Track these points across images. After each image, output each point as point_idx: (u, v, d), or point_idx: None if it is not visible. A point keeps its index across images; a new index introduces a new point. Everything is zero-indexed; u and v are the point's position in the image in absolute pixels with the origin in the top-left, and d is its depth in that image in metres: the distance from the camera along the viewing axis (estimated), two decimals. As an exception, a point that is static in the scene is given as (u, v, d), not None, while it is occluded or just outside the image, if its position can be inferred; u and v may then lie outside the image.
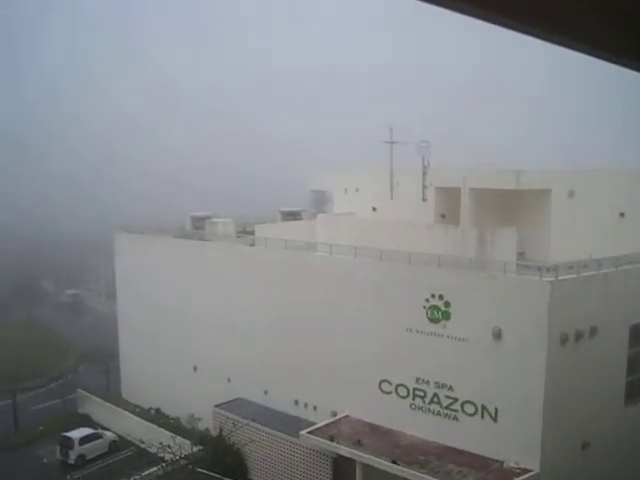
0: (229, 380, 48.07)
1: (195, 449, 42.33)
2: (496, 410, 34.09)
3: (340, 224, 49.51)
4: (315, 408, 42.91)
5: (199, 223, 56.68)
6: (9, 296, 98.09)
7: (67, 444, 48.81)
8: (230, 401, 46.20)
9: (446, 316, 35.50)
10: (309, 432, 38.99)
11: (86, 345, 76.22)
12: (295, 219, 59.16)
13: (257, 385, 45.94)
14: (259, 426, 42.60)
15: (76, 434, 49.49)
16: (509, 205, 46.18)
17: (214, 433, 44.22)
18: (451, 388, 35.92)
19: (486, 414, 34.50)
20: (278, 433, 41.81)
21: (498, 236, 40.31)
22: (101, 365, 62.35)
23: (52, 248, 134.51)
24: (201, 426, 46.10)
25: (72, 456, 48.38)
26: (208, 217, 56.59)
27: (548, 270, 32.62)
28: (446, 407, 36.27)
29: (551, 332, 31.67)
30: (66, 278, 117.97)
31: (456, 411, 35.82)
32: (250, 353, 46.50)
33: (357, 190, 55.71)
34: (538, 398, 32.13)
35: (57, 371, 70.77)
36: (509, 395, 33.39)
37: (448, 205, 47.37)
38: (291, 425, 41.83)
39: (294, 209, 60.88)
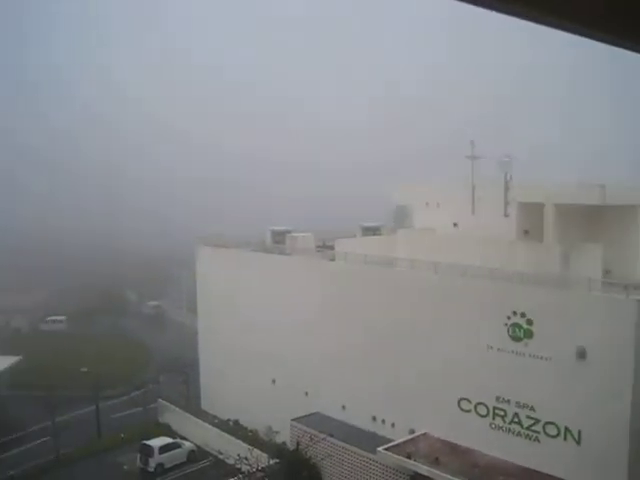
0: (307, 394, 48.14)
1: (272, 462, 42.38)
2: (579, 433, 33.05)
3: (420, 240, 49.11)
4: (393, 425, 42.53)
5: (279, 237, 57.12)
6: (95, 307, 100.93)
7: (147, 452, 49.73)
8: (308, 415, 46.21)
9: (528, 334, 34.69)
10: (386, 449, 38.62)
11: (167, 356, 77.63)
12: (375, 234, 58.98)
13: (335, 400, 45.84)
14: (336, 441, 42.41)
15: (156, 443, 50.37)
16: (594, 221, 44.92)
17: (291, 446, 44.27)
18: (533, 408, 35.03)
19: (569, 436, 33.48)
20: (355, 449, 41.53)
21: (583, 253, 39.23)
22: (181, 376, 63.31)
23: (136, 260, 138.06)
24: (278, 439, 46.23)
25: (152, 464, 49.27)
26: (288, 231, 57.01)
27: (635, 288, 31.53)
28: (527, 428, 35.38)
29: (638, 352, 30.53)
30: (149, 290, 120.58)
31: (537, 432, 34.90)
32: (328, 368, 46.50)
33: (438, 205, 55.18)
34: (624, 421, 31.00)
35: (139, 380, 72.15)
36: (594, 417, 32.31)
37: (531, 221, 46.37)
38: (368, 441, 41.54)
39: (374, 224, 60.71)
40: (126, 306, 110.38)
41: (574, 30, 2.74)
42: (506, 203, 47.38)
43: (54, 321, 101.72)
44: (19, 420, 61.06)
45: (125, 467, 50.36)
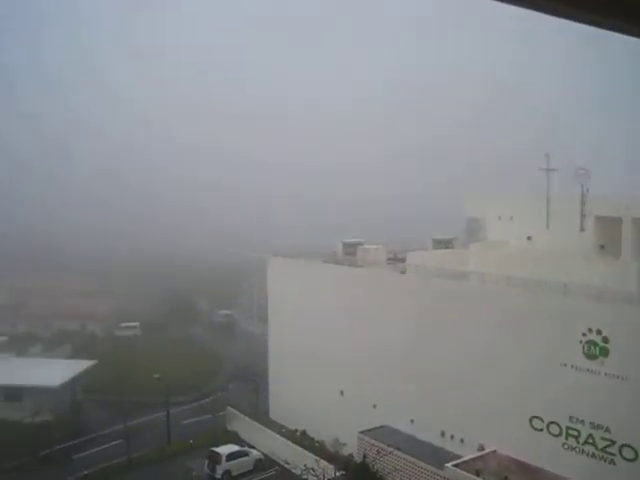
0: (375, 407, 47.79)
1: (338, 474, 42.25)
2: (658, 456, 31.86)
3: (493, 253, 48.36)
4: (462, 441, 41.86)
5: (350, 249, 57.09)
6: (168, 315, 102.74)
7: (215, 459, 50.17)
8: (375, 428, 45.88)
9: (604, 352, 33.67)
10: (455, 465, 38.05)
11: (237, 364, 78.41)
12: (447, 247, 58.31)
13: (403, 413, 45.40)
14: (404, 455, 41.96)
15: (224, 450, 50.80)
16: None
17: (358, 459, 43.96)
18: (608, 429, 33.94)
19: (647, 460, 32.30)
20: (422, 464, 41.00)
21: (663, 270, 37.94)
22: (250, 384, 63.77)
23: (208, 269, 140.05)
24: (345, 451, 46.03)
25: (219, 471, 49.69)
26: (360, 243, 56.94)
27: None
28: (602, 449, 34.30)
29: None
30: (220, 299, 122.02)
31: (613, 455, 33.78)
32: (397, 381, 46.09)
33: (511, 218, 54.23)
34: None
35: (209, 388, 73.21)
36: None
37: (608, 235, 45.08)
38: (436, 456, 41.00)
39: (446, 237, 60.04)
40: (198, 314, 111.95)
41: (580, 18, 2.65)
42: (582, 217, 46.22)
43: (128, 327, 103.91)
44: (93, 423, 62.71)
45: (193, 473, 50.93)
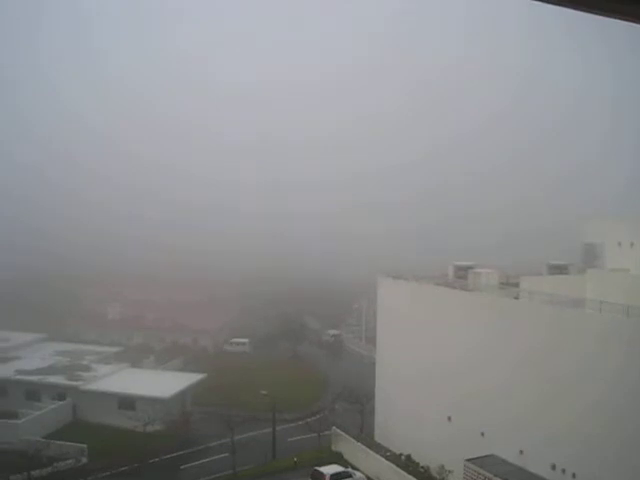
0: (483, 434, 46.51)
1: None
2: None
3: (612, 281, 46.25)
4: (573, 475, 40.02)
5: (462, 272, 56.11)
6: (276, 332, 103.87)
7: (319, 479, 50.01)
8: (483, 457, 44.56)
9: None
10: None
11: (343, 384, 78.21)
12: (562, 273, 56.38)
13: (512, 443, 43.89)
14: (512, 487, 40.57)
15: (328, 470, 50.57)
16: None
17: (464, 488, 42.86)
18: None
19: None
20: (531, 497, 39.49)
21: None
22: (356, 405, 63.39)
23: (317, 289, 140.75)
24: (451, 479, 44.96)
25: (322, 491, 49.52)
26: (471, 267, 55.89)
27: None
28: None
29: None
30: (329, 318, 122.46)
31: None
32: (507, 409, 44.67)
33: (632, 245, 51.88)
34: None
35: (315, 407, 73.27)
36: None
37: None
38: (546, 490, 39.37)
39: (561, 262, 58.10)
40: (306, 333, 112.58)
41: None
42: None
43: (238, 343, 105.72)
44: (201, 435, 63.87)
45: (297, 491, 51.01)
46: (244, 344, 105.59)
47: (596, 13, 2.90)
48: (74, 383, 71.06)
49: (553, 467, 41.30)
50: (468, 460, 44.24)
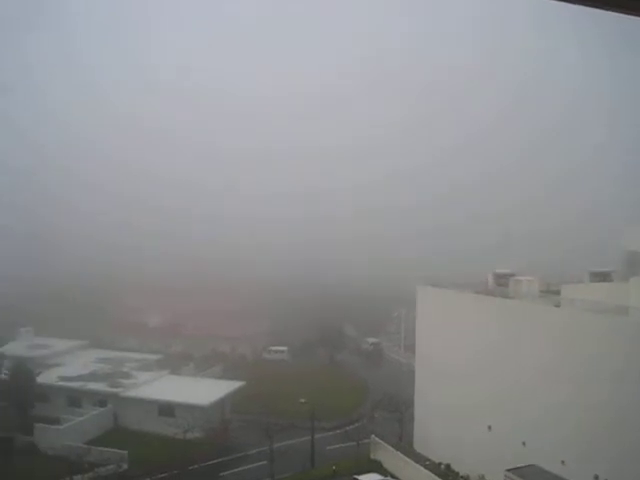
0: (524, 444, 45.86)
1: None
2: None
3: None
4: (619, 486, 39.22)
5: (502, 280, 55.51)
6: (314, 339, 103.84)
7: (358, 487, 49.85)
8: (524, 467, 43.89)
9: None
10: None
11: (382, 393, 77.87)
12: (605, 280, 55.46)
13: (554, 453, 43.21)
14: (553, 498, 39.89)
15: (367, 478, 50.37)
16: None
17: (504, 498, 42.26)
18: None
19: None
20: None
21: None
22: (395, 414, 62.99)
23: (358, 297, 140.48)
24: (491, 489, 44.41)
25: (361, 499, 49.30)
26: (512, 274, 55.26)
27: None
28: None
29: None
30: (368, 326, 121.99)
31: None
32: (548, 419, 44.01)
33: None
34: None
35: (354, 415, 73.01)
36: None
37: None
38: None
39: (604, 270, 57.17)
40: (345, 341, 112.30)
41: None
42: None
43: (277, 351, 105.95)
44: (239, 442, 64.06)
45: (336, 499, 50.82)
46: (283, 352, 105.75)
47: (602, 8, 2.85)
48: (115, 390, 71.82)
49: (596, 478, 40.54)
50: (509, 470, 43.61)
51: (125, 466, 57.42)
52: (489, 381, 49.53)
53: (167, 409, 67.95)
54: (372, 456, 58.92)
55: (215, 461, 58.79)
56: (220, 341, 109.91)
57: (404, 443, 59.11)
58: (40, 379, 71.65)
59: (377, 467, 55.63)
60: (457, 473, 50.16)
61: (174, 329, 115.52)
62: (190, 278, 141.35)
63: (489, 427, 49.63)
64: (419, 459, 54.46)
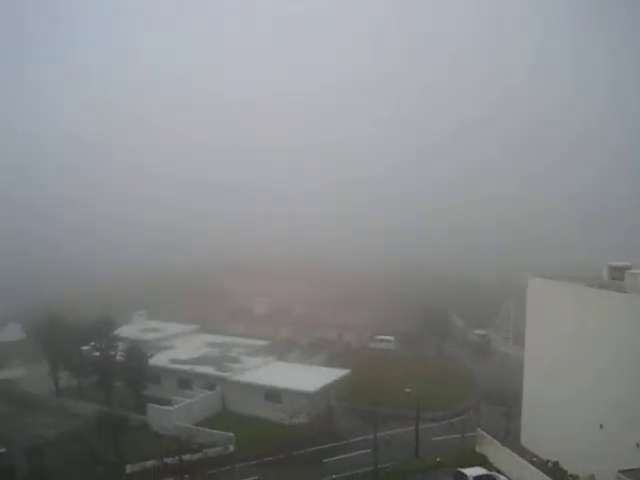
0: (638, 446, 43.96)
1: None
2: None
3: None
4: None
5: (617, 273, 53.27)
6: (422, 330, 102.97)
7: (462, 480, 49.19)
8: (638, 469, 42.08)
9: None
10: None
11: (488, 386, 76.56)
12: None
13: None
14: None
15: (471, 472, 49.59)
16: None
17: (616, 499, 40.64)
18: None
19: None
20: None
21: None
22: (502, 407, 61.73)
23: (465, 287, 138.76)
24: (602, 490, 42.84)
25: (464, 492, 48.61)
26: (628, 267, 52.96)
27: None
28: None
29: None
30: (476, 318, 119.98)
31: None
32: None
33: None
34: None
35: (459, 407, 72.08)
36: None
37: None
38: None
39: None
40: (452, 331, 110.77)
41: None
42: None
43: (382, 340, 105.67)
44: (344, 430, 64.51)
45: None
46: (389, 341, 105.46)
47: None
48: (224, 374, 73.60)
49: None
50: (621, 471, 41.85)
51: (232, 448, 58.74)
52: (604, 379, 47.65)
53: (273, 394, 69.08)
54: (477, 449, 57.95)
55: (319, 447, 59.30)
56: (327, 329, 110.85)
57: (511, 438, 57.80)
58: (153, 361, 74.17)
59: (482, 461, 54.66)
60: (565, 471, 48.59)
61: (282, 316, 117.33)
62: (300, 268, 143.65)
63: (601, 426, 47.80)
64: (526, 455, 53.14)
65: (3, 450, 55.14)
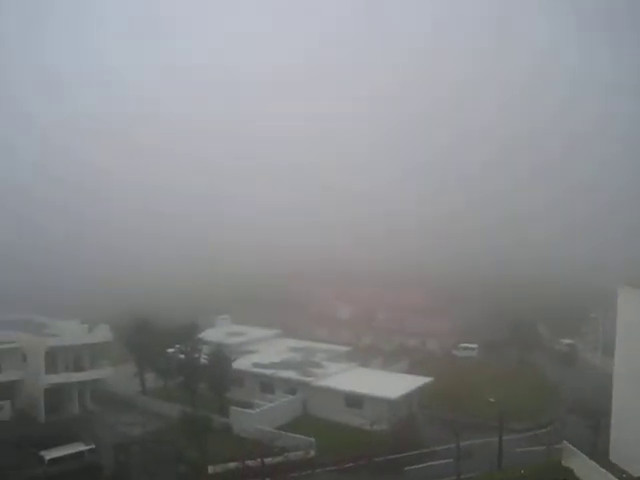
0: None
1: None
2: None
3: None
4: None
5: None
6: (505, 338, 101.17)
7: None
8: None
9: None
10: None
11: (575, 397, 74.48)
12: None
13: None
14: None
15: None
16: None
17: None
18: None
19: None
20: None
21: None
22: (589, 420, 59.86)
23: (548, 295, 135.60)
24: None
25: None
26: None
27: None
28: None
29: None
30: (562, 327, 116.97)
31: None
32: None
33: None
34: None
35: (544, 418, 70.30)
36: None
37: None
38: None
39: None
40: (538, 341, 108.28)
41: None
42: None
43: (466, 348, 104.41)
44: (425, 438, 63.87)
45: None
46: (473, 349, 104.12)
47: None
48: (306, 379, 73.95)
49: None
50: None
51: (313, 453, 58.96)
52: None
53: (355, 400, 68.95)
54: (563, 463, 56.23)
55: (400, 455, 58.84)
56: (409, 336, 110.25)
57: (598, 452, 55.93)
58: (236, 365, 75.13)
59: (569, 475, 52.99)
60: (660, 489, 46.76)
61: (364, 322, 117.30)
62: (381, 273, 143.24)
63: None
64: (615, 471, 51.22)
65: (92, 446, 56.85)
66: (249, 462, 54.46)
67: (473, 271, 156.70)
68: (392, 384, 71.84)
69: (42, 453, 54.54)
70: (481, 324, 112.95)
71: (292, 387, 74.32)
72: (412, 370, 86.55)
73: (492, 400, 61.24)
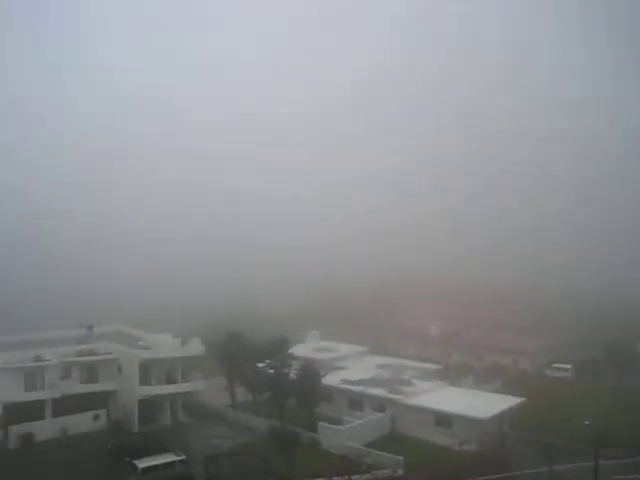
0: None
1: None
2: None
3: None
4: None
5: None
6: (601, 358, 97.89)
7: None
8: None
9: None
10: None
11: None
12: None
13: None
14: None
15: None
16: None
17: None
18: None
19: None
20: None
21: None
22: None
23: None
24: None
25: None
26: None
27: None
28: None
29: None
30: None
31: None
32: None
33: None
34: None
35: (641, 444, 67.37)
36: None
37: None
38: None
39: None
40: (636, 361, 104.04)
41: None
42: None
43: (560, 368, 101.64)
44: (517, 460, 62.16)
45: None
46: (566, 370, 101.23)
47: None
48: (395, 396, 73.41)
49: None
50: None
51: (400, 472, 58.35)
52: None
53: (444, 419, 68.00)
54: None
55: (489, 477, 57.53)
56: (501, 354, 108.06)
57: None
58: (325, 380, 75.31)
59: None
60: None
61: (454, 339, 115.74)
62: (470, 289, 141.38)
63: None
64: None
65: (183, 457, 58.07)
66: (336, 478, 54.45)
67: (568, 287, 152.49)
68: (482, 404, 70.48)
69: (136, 462, 56.19)
70: (575, 342, 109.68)
71: (381, 404, 73.92)
72: (504, 390, 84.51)
73: (587, 423, 59.18)
